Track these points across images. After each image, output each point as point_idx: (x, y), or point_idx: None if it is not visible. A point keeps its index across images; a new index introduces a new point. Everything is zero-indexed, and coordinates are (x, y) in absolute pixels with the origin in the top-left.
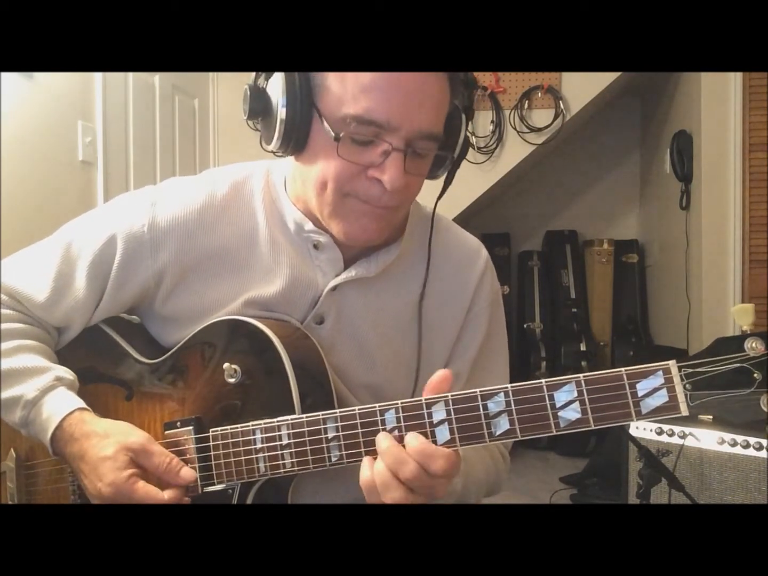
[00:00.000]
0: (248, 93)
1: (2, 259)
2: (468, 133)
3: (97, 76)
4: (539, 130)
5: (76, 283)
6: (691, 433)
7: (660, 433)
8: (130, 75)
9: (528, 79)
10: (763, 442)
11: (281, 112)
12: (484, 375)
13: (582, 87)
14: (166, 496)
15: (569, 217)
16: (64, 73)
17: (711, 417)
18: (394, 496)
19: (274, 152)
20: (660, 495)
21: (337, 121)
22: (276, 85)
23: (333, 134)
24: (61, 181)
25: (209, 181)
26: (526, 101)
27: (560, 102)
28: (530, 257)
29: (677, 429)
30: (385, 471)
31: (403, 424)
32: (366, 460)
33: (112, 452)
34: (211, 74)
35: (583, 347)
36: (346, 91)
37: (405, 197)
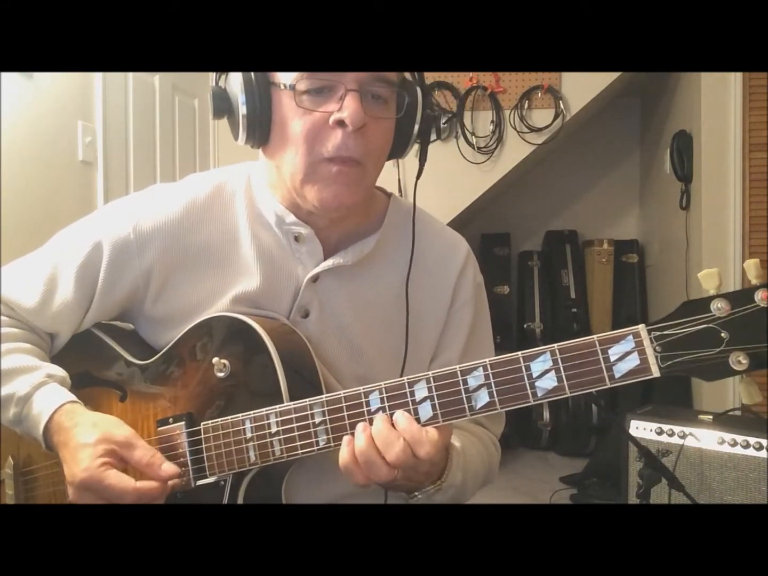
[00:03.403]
0: (211, 94)
1: (2, 258)
2: (430, 111)
3: (97, 76)
4: (539, 130)
5: (64, 287)
6: (691, 433)
7: (660, 433)
8: (130, 75)
9: (528, 79)
10: (763, 441)
11: (242, 109)
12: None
13: (582, 87)
14: (138, 484)
15: (569, 217)
16: (64, 73)
17: (711, 417)
18: (379, 474)
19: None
20: (660, 495)
21: (291, 83)
22: (235, 81)
23: (288, 85)
24: (61, 181)
25: (191, 184)
26: (526, 101)
27: (560, 102)
28: (530, 257)
29: (677, 429)
30: (370, 450)
31: (387, 404)
32: (345, 440)
33: (93, 440)
34: (211, 74)
35: None
36: None
37: (368, 148)
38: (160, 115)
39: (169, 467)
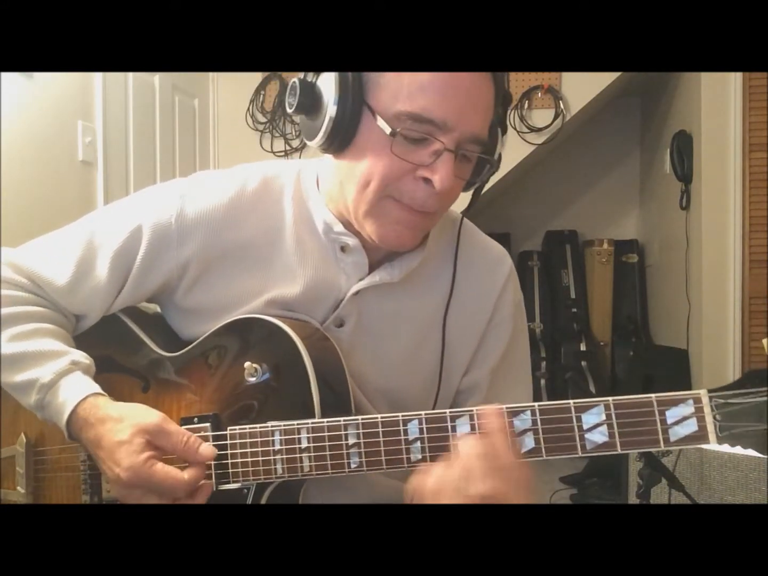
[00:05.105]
0: (298, 87)
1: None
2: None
3: (97, 76)
4: (539, 130)
5: (98, 270)
6: None
7: None
8: (130, 75)
9: (528, 79)
10: None
11: (332, 110)
12: (506, 385)
13: (582, 87)
14: (186, 476)
15: (569, 217)
16: (64, 73)
17: None
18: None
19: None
20: (660, 495)
21: (391, 118)
22: (328, 80)
23: (390, 130)
24: (61, 181)
25: (240, 175)
26: (526, 101)
27: (560, 102)
28: (530, 257)
29: None
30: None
31: (426, 435)
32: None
33: (128, 436)
34: (211, 74)
35: (583, 347)
36: (402, 87)
37: (445, 203)
38: (160, 115)
39: (206, 449)
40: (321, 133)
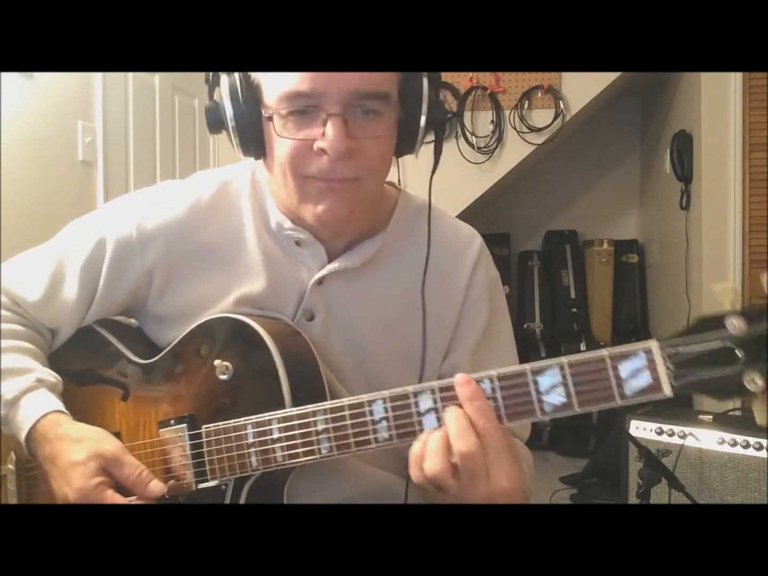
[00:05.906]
0: (205, 109)
1: (2, 259)
2: (438, 98)
3: (97, 76)
4: (539, 130)
5: (68, 284)
6: (691, 433)
7: (660, 433)
8: (130, 75)
9: (528, 79)
10: (763, 442)
11: (232, 122)
12: (490, 364)
13: (582, 87)
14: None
15: (569, 217)
16: (64, 73)
17: (711, 417)
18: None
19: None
20: (660, 495)
21: (274, 106)
22: (223, 94)
23: (266, 115)
24: (61, 181)
25: (196, 182)
26: (526, 101)
27: (560, 102)
28: (530, 257)
29: (677, 429)
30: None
31: (391, 414)
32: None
33: (83, 458)
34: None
35: (583, 347)
36: (274, 76)
37: (363, 164)
38: (160, 115)
39: (155, 486)
40: (235, 145)
